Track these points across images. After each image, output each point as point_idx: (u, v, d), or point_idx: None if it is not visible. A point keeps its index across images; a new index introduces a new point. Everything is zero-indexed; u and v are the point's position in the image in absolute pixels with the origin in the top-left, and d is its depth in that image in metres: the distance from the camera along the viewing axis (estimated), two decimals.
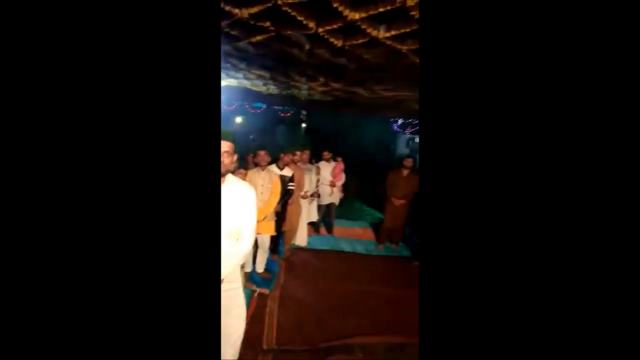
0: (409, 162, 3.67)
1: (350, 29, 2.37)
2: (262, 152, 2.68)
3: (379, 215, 4.99)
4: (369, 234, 4.33)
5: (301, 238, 3.63)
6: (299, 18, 2.17)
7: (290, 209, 3.21)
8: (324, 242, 3.90)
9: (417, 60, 2.93)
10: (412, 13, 1.92)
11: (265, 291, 2.55)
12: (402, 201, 3.64)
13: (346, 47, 2.72)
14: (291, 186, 3.08)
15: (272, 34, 2.54)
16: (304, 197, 3.45)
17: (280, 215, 3.07)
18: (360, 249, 3.81)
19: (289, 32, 2.49)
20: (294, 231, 3.44)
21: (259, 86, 5.29)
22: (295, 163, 3.30)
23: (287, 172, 3.06)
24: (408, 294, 2.77)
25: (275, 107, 10.72)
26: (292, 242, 3.50)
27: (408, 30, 2.23)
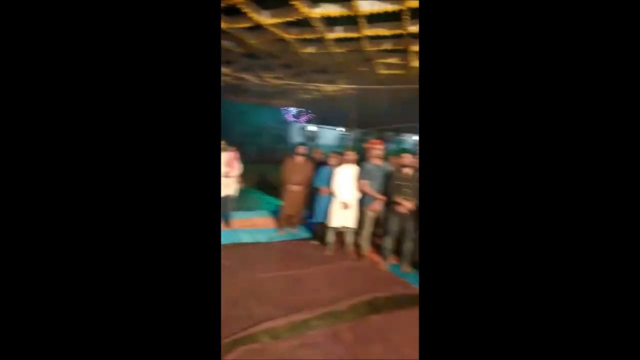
0: (302, 149, 3.82)
1: (233, 12, 2.26)
2: None
3: (278, 202, 5.07)
4: (270, 222, 4.36)
5: None
6: None
7: None
8: (222, 236, 3.73)
9: (301, 51, 3.04)
10: (292, 2, 1.97)
11: None
12: (298, 187, 3.79)
13: (230, 31, 2.59)
14: None
15: None
16: None
17: None
18: (261, 237, 3.81)
19: None
20: None
21: None
22: None
23: None
24: (309, 273, 2.95)
25: None
26: None
27: (292, 19, 2.28)
